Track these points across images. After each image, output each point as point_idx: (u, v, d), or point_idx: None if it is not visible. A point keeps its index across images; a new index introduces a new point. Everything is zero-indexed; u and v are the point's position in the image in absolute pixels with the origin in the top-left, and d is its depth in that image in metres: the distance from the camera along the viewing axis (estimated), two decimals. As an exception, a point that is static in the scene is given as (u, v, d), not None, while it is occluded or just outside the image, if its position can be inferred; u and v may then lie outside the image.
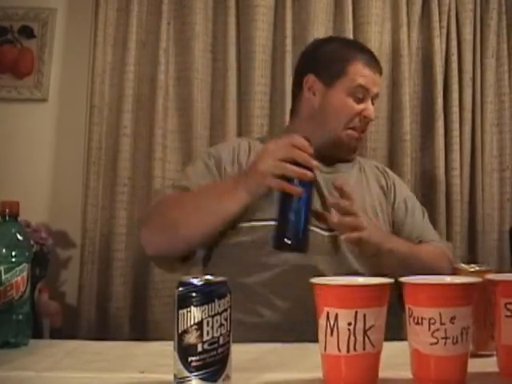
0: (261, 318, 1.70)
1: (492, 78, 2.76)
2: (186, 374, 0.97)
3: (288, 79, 2.54)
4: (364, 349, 0.99)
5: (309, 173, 1.47)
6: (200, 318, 0.96)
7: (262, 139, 1.97)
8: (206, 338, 0.96)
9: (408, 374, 1.05)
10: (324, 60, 1.90)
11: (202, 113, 2.64)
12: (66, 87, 2.76)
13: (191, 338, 0.97)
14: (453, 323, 0.99)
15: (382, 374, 1.03)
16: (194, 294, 0.97)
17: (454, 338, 1.00)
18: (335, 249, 1.75)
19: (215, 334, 0.97)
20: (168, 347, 1.01)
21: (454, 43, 2.72)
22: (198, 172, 1.83)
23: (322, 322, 1.01)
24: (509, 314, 1.05)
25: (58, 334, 2.43)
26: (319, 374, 1.04)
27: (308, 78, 1.89)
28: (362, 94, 1.86)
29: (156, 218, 1.77)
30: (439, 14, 2.72)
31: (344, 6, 2.68)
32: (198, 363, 0.96)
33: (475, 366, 1.09)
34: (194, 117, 2.62)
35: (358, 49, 1.95)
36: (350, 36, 2.63)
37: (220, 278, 1.00)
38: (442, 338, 0.99)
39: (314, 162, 1.49)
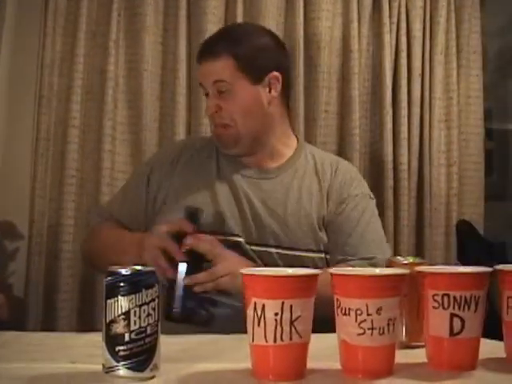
0: None
1: (440, 74, 2.80)
2: (114, 363, 0.98)
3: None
4: (291, 339, 1.00)
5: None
6: (127, 308, 0.97)
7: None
8: (133, 327, 0.97)
9: (337, 365, 1.06)
10: None
11: (151, 105, 2.63)
12: (14, 77, 2.71)
13: (118, 327, 0.97)
14: (379, 314, 1.01)
15: (311, 364, 1.05)
16: (121, 284, 0.97)
17: (380, 328, 1.01)
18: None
19: (142, 324, 0.97)
20: (102, 338, 1.01)
21: (403, 39, 2.76)
22: (127, 198, 1.94)
23: (250, 312, 1.01)
24: (436, 305, 1.07)
25: (3, 326, 2.39)
26: (249, 365, 1.05)
27: None
28: (204, 90, 1.84)
29: (84, 244, 2.05)
30: (389, 10, 2.75)
31: (295, 1, 2.68)
32: (126, 353, 0.97)
33: (406, 356, 1.12)
34: (143, 109, 2.60)
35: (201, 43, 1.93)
36: (301, 31, 2.66)
37: (148, 268, 1.00)
38: (369, 329, 1.01)
39: (180, 267, 1.53)
